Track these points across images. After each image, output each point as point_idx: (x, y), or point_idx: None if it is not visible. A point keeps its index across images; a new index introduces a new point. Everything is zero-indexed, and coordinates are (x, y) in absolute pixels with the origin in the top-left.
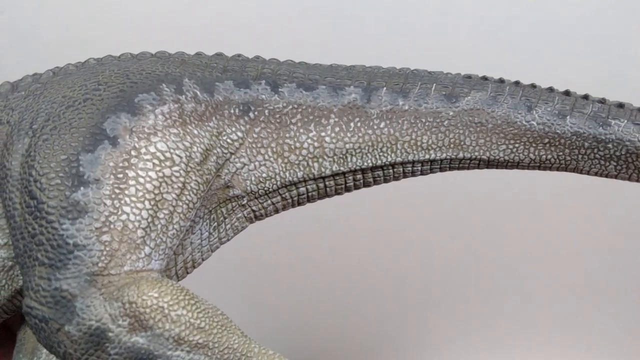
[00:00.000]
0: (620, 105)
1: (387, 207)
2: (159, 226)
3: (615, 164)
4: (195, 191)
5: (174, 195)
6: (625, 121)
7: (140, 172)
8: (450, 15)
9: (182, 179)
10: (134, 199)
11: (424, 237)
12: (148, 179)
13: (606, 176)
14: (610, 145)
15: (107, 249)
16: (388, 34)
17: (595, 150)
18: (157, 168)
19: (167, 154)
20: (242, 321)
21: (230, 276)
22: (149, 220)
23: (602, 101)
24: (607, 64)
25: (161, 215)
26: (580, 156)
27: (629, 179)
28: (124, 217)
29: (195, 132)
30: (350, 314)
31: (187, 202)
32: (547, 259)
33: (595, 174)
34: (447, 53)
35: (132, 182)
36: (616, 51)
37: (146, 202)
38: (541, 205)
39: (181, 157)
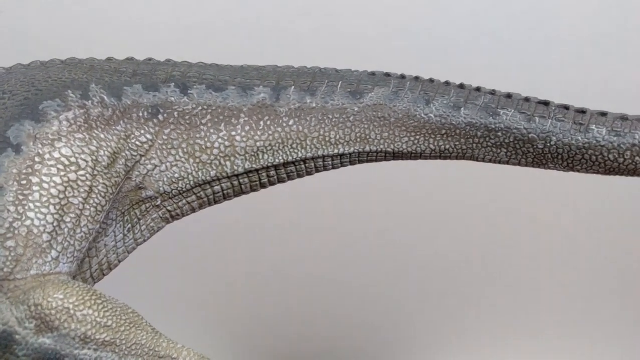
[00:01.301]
0: (509, 96)
1: (384, 206)
2: (66, 230)
3: (505, 150)
4: (103, 194)
5: (80, 199)
6: (513, 110)
7: (44, 178)
8: (450, 15)
9: (88, 183)
10: (38, 204)
11: (422, 236)
12: (52, 184)
13: (499, 162)
14: (500, 134)
15: (12, 254)
16: (388, 34)
17: (488, 139)
18: (62, 173)
19: (72, 159)
20: (239, 320)
21: (226, 276)
22: (55, 224)
23: (493, 92)
24: (607, 64)
25: (68, 219)
26: (474, 145)
27: (519, 164)
28: (28, 222)
29: (102, 136)
30: (346, 314)
31: (95, 205)
32: (546, 259)
33: (490, 161)
34: (447, 53)
35: (36, 188)
36: (616, 51)
37: (51, 207)
38: (540, 205)
39: (87, 162)
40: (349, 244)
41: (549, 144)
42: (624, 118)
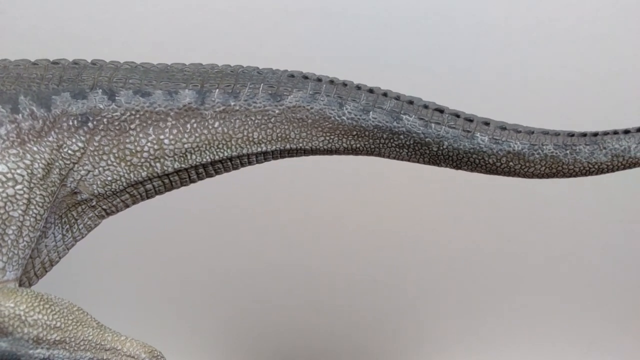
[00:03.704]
0: (411, 102)
1: (384, 207)
2: (9, 241)
3: (407, 151)
4: (41, 204)
5: (20, 212)
6: (413, 116)
7: None
8: (450, 15)
9: (26, 196)
10: None
11: (422, 237)
12: None
13: (402, 160)
14: (402, 137)
15: None
16: (388, 34)
17: (392, 140)
18: (0, 190)
19: (9, 175)
20: (238, 321)
21: (227, 276)
22: None
23: (398, 98)
24: (607, 64)
25: (10, 232)
26: (381, 145)
27: (418, 162)
28: None
29: (35, 149)
30: (346, 315)
31: (34, 215)
32: (545, 260)
33: (394, 159)
34: (447, 53)
35: None
36: (616, 51)
37: None
38: (540, 205)
39: (23, 176)
40: (349, 241)
41: (441, 148)
42: (502, 127)
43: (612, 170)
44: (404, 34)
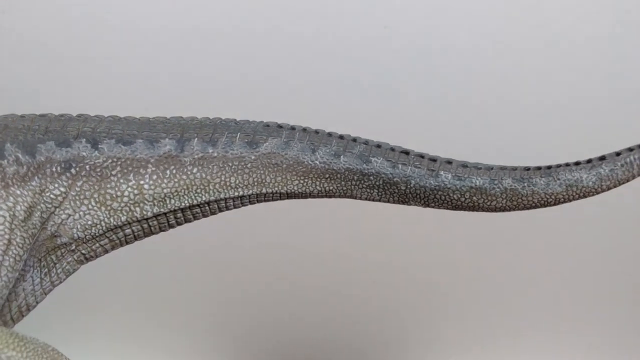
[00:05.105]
0: (378, 146)
1: (384, 208)
2: None
3: (377, 191)
4: (21, 245)
5: (0, 252)
6: (381, 158)
7: None
8: (450, 15)
9: (7, 237)
10: None
11: (422, 238)
12: None
13: (373, 200)
14: (372, 178)
15: None
16: (388, 34)
17: (362, 182)
18: None
19: None
20: (237, 322)
21: (227, 278)
22: None
23: (366, 142)
24: (607, 64)
25: None
26: (352, 186)
27: (388, 202)
28: None
29: (18, 192)
30: (346, 317)
31: (13, 256)
32: (546, 260)
33: (366, 199)
34: (446, 53)
35: None
36: (616, 51)
37: None
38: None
39: (5, 217)
40: (349, 243)
41: (409, 187)
42: (464, 165)
43: (569, 200)
44: (404, 35)
